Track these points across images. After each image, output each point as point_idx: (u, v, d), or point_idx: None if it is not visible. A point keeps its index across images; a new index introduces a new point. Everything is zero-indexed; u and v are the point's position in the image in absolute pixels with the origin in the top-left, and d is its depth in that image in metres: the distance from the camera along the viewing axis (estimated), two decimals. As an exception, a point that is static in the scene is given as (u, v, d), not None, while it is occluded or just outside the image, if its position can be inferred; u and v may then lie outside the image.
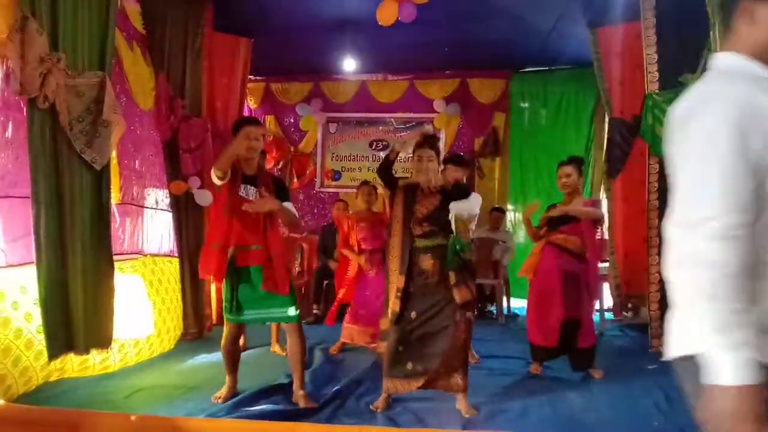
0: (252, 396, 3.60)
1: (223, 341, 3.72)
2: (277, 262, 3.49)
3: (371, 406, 3.43)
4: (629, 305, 6.41)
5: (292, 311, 3.58)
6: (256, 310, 3.58)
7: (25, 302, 3.57)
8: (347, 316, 5.05)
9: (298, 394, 3.54)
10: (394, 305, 3.41)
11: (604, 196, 6.37)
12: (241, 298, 3.53)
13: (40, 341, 3.57)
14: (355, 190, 5.63)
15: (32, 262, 3.50)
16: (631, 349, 5.30)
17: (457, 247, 3.46)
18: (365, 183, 5.34)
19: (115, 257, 4.10)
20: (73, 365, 4.00)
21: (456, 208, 3.90)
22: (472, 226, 4.76)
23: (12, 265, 3.60)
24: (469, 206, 4.40)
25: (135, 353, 4.49)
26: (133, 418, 2.83)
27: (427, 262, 3.44)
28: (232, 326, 3.66)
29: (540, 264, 4.28)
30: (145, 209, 5.22)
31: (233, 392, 3.72)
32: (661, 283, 5.01)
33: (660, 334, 5.00)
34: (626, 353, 5.11)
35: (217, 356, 4.84)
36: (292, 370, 3.63)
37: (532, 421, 3.25)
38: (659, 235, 5.05)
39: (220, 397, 3.65)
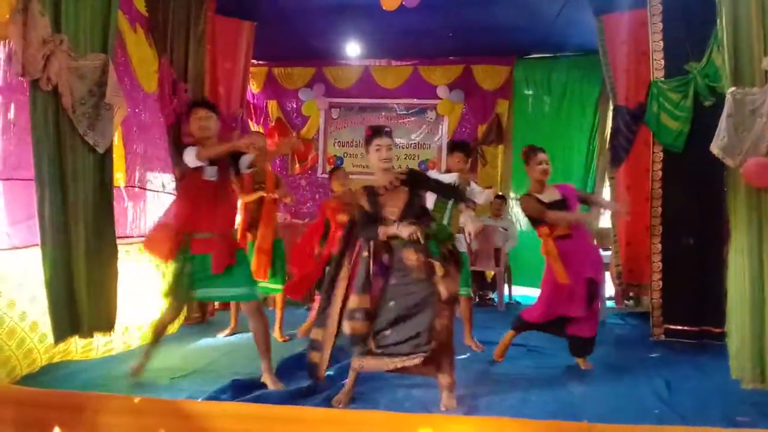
0: (251, 380, 3.61)
1: (158, 319, 3.86)
2: (223, 240, 3.58)
3: (333, 401, 3.26)
4: (631, 294, 6.41)
5: (246, 290, 3.62)
6: (206, 288, 3.63)
7: (30, 284, 3.57)
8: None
9: (265, 376, 3.57)
10: (356, 325, 3.23)
11: (608, 183, 6.35)
12: (190, 279, 3.58)
13: (44, 323, 3.59)
14: (357, 176, 5.59)
15: (36, 245, 3.49)
16: (633, 337, 5.32)
17: (441, 234, 3.28)
18: (335, 168, 5.32)
19: (120, 240, 4.10)
20: (77, 348, 4.02)
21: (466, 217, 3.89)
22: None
23: (16, 248, 3.61)
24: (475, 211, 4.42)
25: (138, 336, 4.51)
26: (136, 400, 2.84)
27: (410, 257, 3.20)
28: (171, 307, 3.75)
29: (568, 264, 4.03)
30: (150, 192, 5.22)
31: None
32: (664, 271, 5.01)
33: (661, 323, 5.01)
34: (627, 342, 5.12)
35: (219, 341, 4.91)
36: (258, 351, 3.62)
37: (532, 409, 3.26)
38: (662, 224, 5.05)
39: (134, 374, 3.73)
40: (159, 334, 3.84)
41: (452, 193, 3.75)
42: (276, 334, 5.00)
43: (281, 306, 5.04)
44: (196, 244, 3.57)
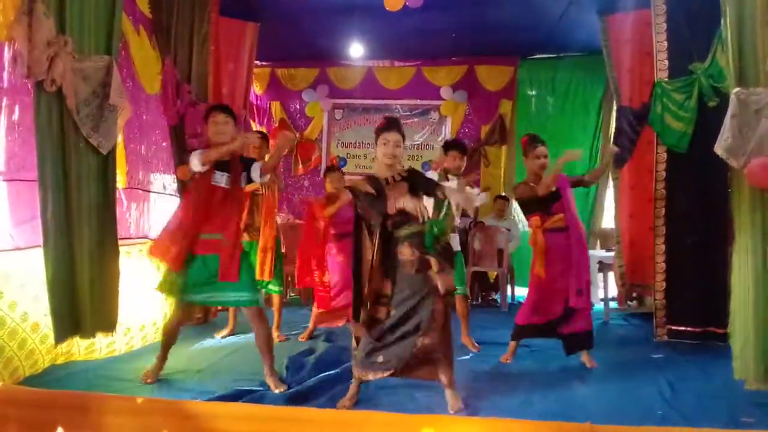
0: (254, 382, 3.62)
1: (167, 322, 3.86)
2: (235, 252, 3.57)
3: (337, 405, 3.23)
4: (634, 294, 6.39)
5: (249, 296, 3.62)
6: (208, 293, 3.62)
7: (32, 285, 3.58)
8: (317, 302, 5.05)
9: (268, 379, 3.58)
10: (376, 311, 3.26)
11: (612, 184, 6.33)
12: (190, 281, 3.57)
13: (46, 324, 3.59)
14: (359, 177, 5.55)
15: (39, 246, 3.50)
16: (636, 338, 5.30)
17: (435, 230, 3.27)
18: (331, 168, 5.28)
19: (121, 241, 4.11)
20: (80, 348, 4.03)
21: (457, 199, 3.84)
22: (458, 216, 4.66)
23: (19, 248, 3.62)
24: (473, 200, 4.44)
25: (141, 337, 4.52)
26: (139, 401, 2.84)
27: (406, 251, 3.23)
28: (178, 308, 3.76)
29: (549, 255, 4.15)
30: (152, 194, 5.23)
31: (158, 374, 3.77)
32: (668, 272, 5.00)
33: (665, 324, 5.00)
34: (630, 342, 5.11)
35: (221, 341, 4.90)
36: (261, 355, 3.65)
37: (535, 409, 3.26)
38: (666, 224, 5.03)
39: (147, 378, 3.70)
40: (168, 337, 3.79)
41: (428, 186, 3.49)
42: (274, 334, 5.01)
43: (279, 306, 5.05)
44: (201, 244, 3.55)
